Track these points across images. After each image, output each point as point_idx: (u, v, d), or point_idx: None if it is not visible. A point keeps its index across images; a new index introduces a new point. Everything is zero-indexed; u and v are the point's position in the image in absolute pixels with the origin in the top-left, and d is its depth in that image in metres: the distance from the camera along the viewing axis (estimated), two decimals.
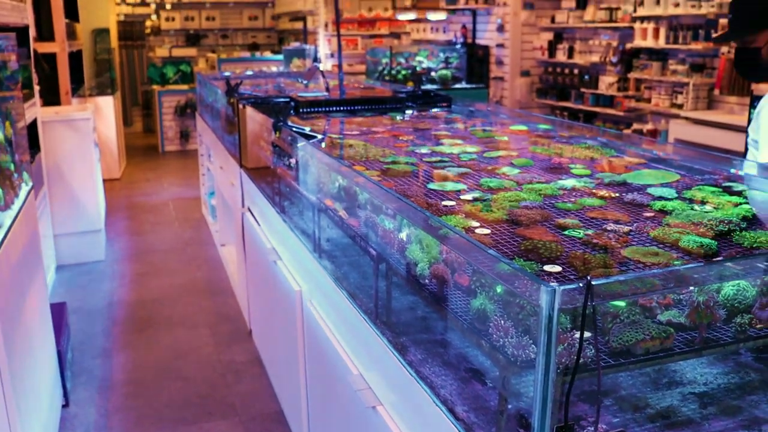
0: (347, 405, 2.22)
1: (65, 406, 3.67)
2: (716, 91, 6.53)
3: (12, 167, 2.96)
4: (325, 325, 2.50)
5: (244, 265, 4.39)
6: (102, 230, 6.15)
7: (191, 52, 12.65)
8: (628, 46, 7.52)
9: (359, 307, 2.13)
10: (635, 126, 7.57)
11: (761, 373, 1.65)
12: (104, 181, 7.49)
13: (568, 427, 1.22)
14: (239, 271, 4.74)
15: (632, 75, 7.51)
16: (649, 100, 7.30)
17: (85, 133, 5.79)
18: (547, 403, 1.20)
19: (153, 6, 13.24)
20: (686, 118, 6.58)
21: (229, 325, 4.68)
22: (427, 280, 1.72)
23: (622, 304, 1.46)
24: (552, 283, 1.14)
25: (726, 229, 1.74)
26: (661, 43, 6.99)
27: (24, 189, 3.17)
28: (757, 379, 1.63)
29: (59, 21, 6.80)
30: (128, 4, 13.05)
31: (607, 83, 7.89)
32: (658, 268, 1.45)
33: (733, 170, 2.41)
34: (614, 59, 7.69)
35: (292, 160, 3.03)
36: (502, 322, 1.36)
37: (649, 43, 7.15)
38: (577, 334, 1.24)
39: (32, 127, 5.11)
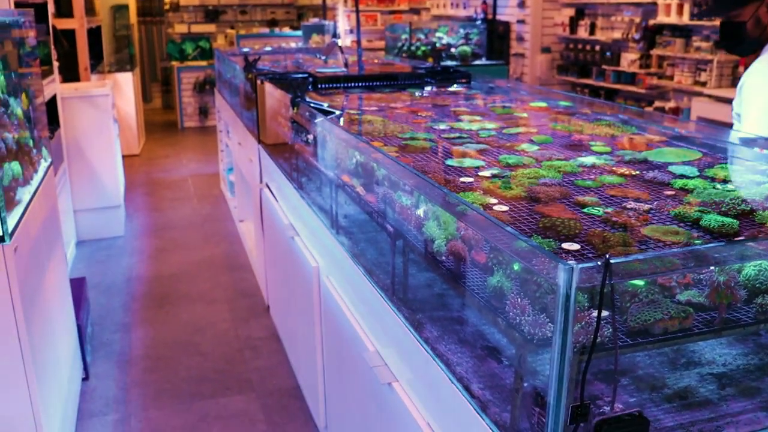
0: (363, 381, 2.22)
1: (85, 379, 3.71)
2: (741, 69, 6.42)
3: (31, 143, 2.97)
4: (341, 301, 2.50)
5: (262, 241, 4.40)
6: (121, 206, 6.18)
7: (210, 28, 12.62)
8: (651, 22, 7.40)
9: (376, 283, 2.12)
10: (657, 104, 7.47)
11: None
12: (123, 157, 7.53)
13: (584, 406, 1.21)
14: (257, 247, 4.75)
15: (655, 52, 7.40)
16: (671, 78, 7.19)
17: (104, 109, 5.81)
18: (563, 383, 1.19)
19: None
20: (709, 96, 6.48)
21: (246, 300, 4.71)
22: (443, 257, 1.71)
23: (641, 283, 1.44)
24: (570, 261, 1.12)
25: (748, 208, 1.71)
26: (685, 19, 6.88)
27: (43, 165, 3.18)
28: None
29: None
30: None
31: (629, 60, 7.78)
32: (678, 247, 1.42)
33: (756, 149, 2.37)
34: (637, 36, 7.58)
35: (310, 136, 3.01)
36: (519, 300, 1.35)
37: (672, 19, 7.03)
38: (595, 313, 1.22)
39: (52, 103, 5.13)
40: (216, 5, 13.46)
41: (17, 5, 4.18)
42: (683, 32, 7.07)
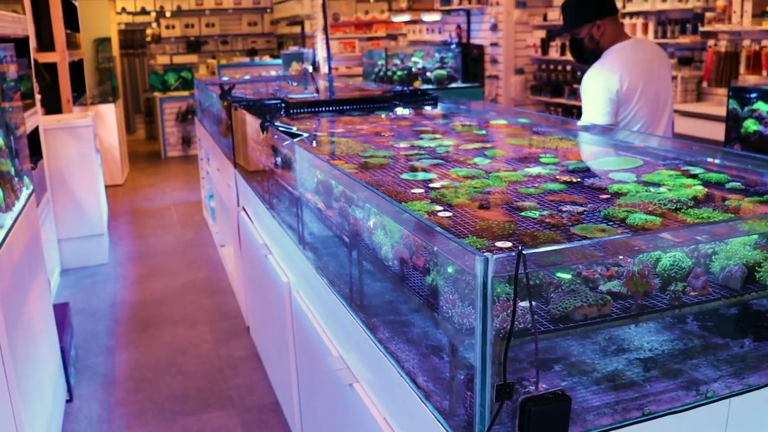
0: (329, 385, 2.35)
1: (69, 400, 3.81)
2: (704, 84, 6.64)
3: (13, 172, 3.10)
4: (310, 312, 2.63)
5: (240, 261, 4.52)
6: (105, 234, 6.29)
7: (192, 58, 12.81)
8: None
9: (338, 292, 2.26)
10: None
11: (704, 339, 1.77)
12: (107, 187, 7.65)
13: (508, 385, 1.34)
14: (237, 269, 4.87)
15: None
16: None
17: (86, 139, 5.94)
18: (486, 363, 1.32)
19: (153, 14, 13.41)
20: (675, 111, 6.68)
21: (228, 322, 4.82)
22: (390, 263, 1.85)
23: (566, 276, 1.59)
24: (486, 253, 1.27)
25: (674, 207, 1.87)
26: (650, 37, 7.10)
27: (24, 192, 3.31)
28: (699, 345, 1.75)
29: (59, 31, 6.96)
30: (129, 13, 13.22)
31: None
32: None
33: (697, 157, 2.53)
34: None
35: (278, 159, 3.16)
36: (450, 294, 1.49)
37: (638, 37, 7.25)
38: (518, 301, 1.36)
39: (35, 135, 5.26)
40: (197, 36, 13.67)
41: None
42: None
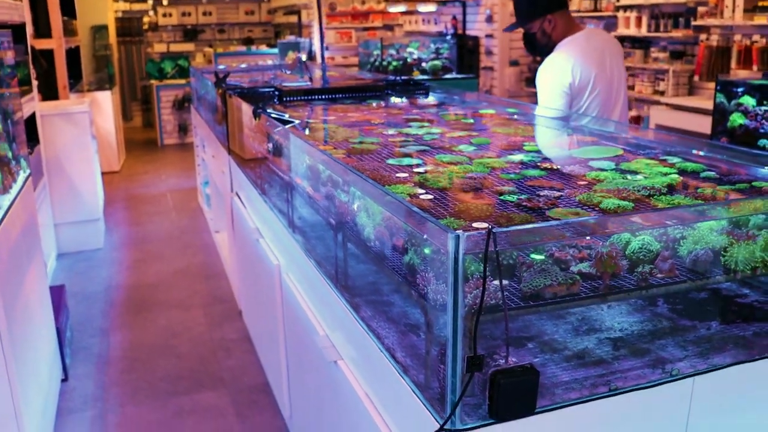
0: (316, 363, 2.42)
1: (65, 380, 3.88)
2: (696, 78, 6.71)
3: (10, 155, 3.17)
4: (298, 293, 2.70)
5: (234, 246, 4.60)
6: (101, 219, 6.36)
7: (189, 47, 12.85)
8: (612, 34, 7.68)
9: (324, 274, 2.33)
10: None
11: (672, 321, 1.85)
12: (104, 174, 7.72)
13: (478, 357, 1.41)
14: (230, 254, 4.95)
15: None
16: (632, 88, 7.47)
17: (82, 125, 6.00)
18: (458, 336, 1.40)
19: (150, 2, 13.44)
20: (667, 104, 6.76)
21: (221, 306, 4.90)
22: (372, 244, 1.93)
23: (538, 256, 1.66)
24: (458, 231, 1.34)
25: (647, 194, 1.94)
26: (644, 31, 7.17)
27: (22, 176, 3.37)
28: (667, 327, 1.83)
29: (56, 18, 7.00)
30: (126, 1, 13.24)
31: None
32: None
33: (678, 148, 2.60)
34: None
35: (270, 145, 3.22)
36: (426, 273, 1.56)
37: (632, 31, 7.32)
38: (489, 279, 1.44)
39: (32, 121, 5.32)
40: (194, 24, 13.70)
41: None
42: (642, 44, 7.36)
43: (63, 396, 3.75)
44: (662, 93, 6.98)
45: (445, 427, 1.46)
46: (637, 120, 7.38)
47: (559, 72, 3.32)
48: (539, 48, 3.51)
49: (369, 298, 2.06)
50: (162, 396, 3.74)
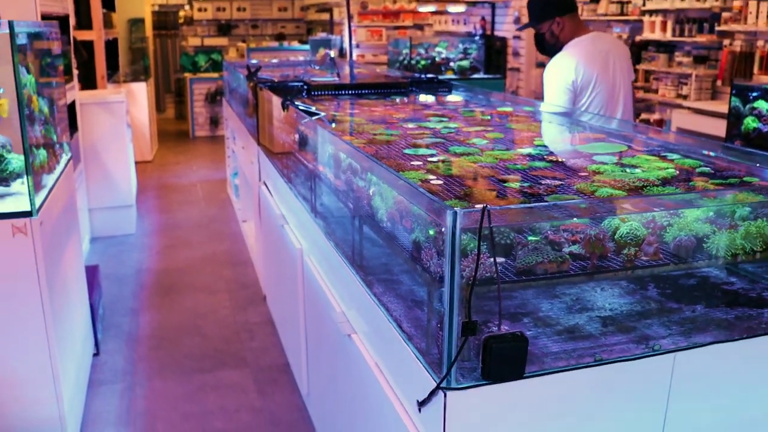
0: (332, 338, 2.60)
1: (96, 354, 4.11)
2: (719, 82, 6.79)
3: (54, 138, 3.39)
4: (318, 275, 2.88)
5: (260, 233, 4.79)
6: (133, 206, 6.60)
7: (222, 41, 13.11)
8: (638, 38, 7.79)
9: (342, 254, 2.51)
10: (643, 116, 7.84)
11: (660, 303, 2.00)
12: (136, 163, 7.97)
13: (473, 323, 1.58)
14: (257, 242, 5.15)
15: (641, 66, 7.78)
16: (656, 91, 7.56)
17: (118, 114, 6.25)
18: (454, 304, 1.56)
19: None
20: (689, 108, 6.85)
21: (246, 291, 5.10)
22: (384, 225, 2.10)
23: (534, 237, 1.82)
24: (456, 208, 1.51)
25: (642, 185, 2.09)
26: (668, 35, 7.26)
27: (64, 158, 3.59)
28: (655, 308, 1.98)
29: (97, 11, 7.27)
30: None
31: None
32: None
33: (680, 144, 2.74)
34: None
35: (297, 135, 3.41)
36: (429, 249, 1.73)
37: (657, 35, 7.41)
38: (486, 255, 1.60)
39: (71, 108, 5.56)
40: (228, 19, 13.97)
41: (43, 17, 4.62)
42: (667, 48, 7.45)
43: (94, 369, 3.97)
44: (685, 97, 7.07)
45: (442, 385, 1.62)
46: (659, 123, 7.47)
47: (564, 70, 3.56)
48: (548, 48, 3.75)
49: (381, 276, 2.23)
50: (187, 372, 3.94)
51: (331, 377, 2.76)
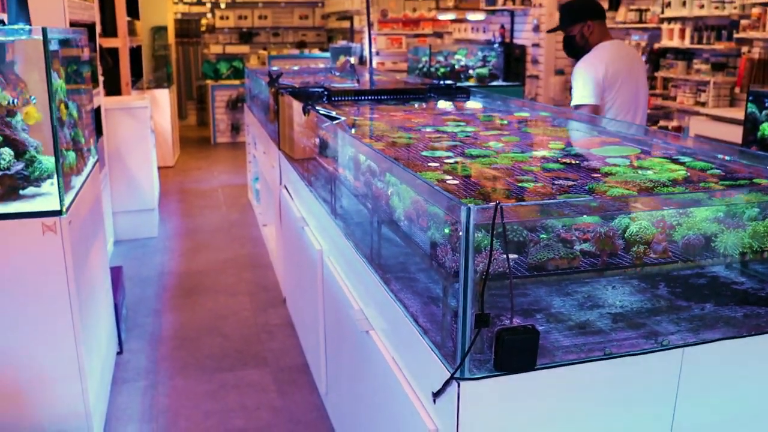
0: (350, 335, 2.67)
1: (120, 353, 4.20)
2: (737, 89, 6.80)
3: (83, 141, 3.49)
4: (337, 274, 2.95)
5: (280, 236, 4.88)
6: (156, 210, 6.72)
7: (244, 49, 13.28)
8: (656, 45, 7.81)
9: (361, 254, 2.58)
10: (662, 123, 7.85)
11: (670, 301, 2.05)
12: (159, 168, 8.10)
13: (486, 315, 1.64)
14: (277, 245, 5.23)
15: (659, 74, 7.80)
16: (674, 98, 7.58)
17: (142, 120, 6.37)
18: (468, 296, 1.63)
19: (208, 5, 13.90)
20: (707, 115, 6.86)
21: (266, 293, 5.18)
22: (402, 224, 2.17)
23: (546, 235, 1.88)
24: (469, 205, 1.57)
25: (651, 186, 2.14)
26: (687, 43, 7.28)
27: (91, 160, 3.70)
28: (665, 306, 2.03)
29: (122, 19, 7.41)
30: (185, 3, 13.74)
31: None
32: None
33: (693, 148, 2.79)
34: (643, 58, 7.98)
35: (317, 139, 3.49)
36: (445, 245, 1.80)
37: (675, 43, 7.44)
38: (497, 250, 1.67)
39: (96, 114, 5.69)
40: (250, 27, 14.13)
41: (71, 25, 4.74)
42: (685, 55, 7.47)
43: (118, 367, 4.06)
44: (703, 104, 7.09)
45: (456, 375, 1.69)
46: (678, 130, 7.49)
47: (595, 65, 3.84)
48: (577, 49, 4.00)
49: (398, 274, 2.30)
50: (208, 371, 4.02)
51: (350, 375, 2.83)
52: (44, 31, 2.70)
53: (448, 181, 2.17)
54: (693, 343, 1.89)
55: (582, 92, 3.85)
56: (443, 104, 4.31)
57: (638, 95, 3.94)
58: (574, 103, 3.96)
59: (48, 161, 2.97)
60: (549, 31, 4.71)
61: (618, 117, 3.90)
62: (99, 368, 3.50)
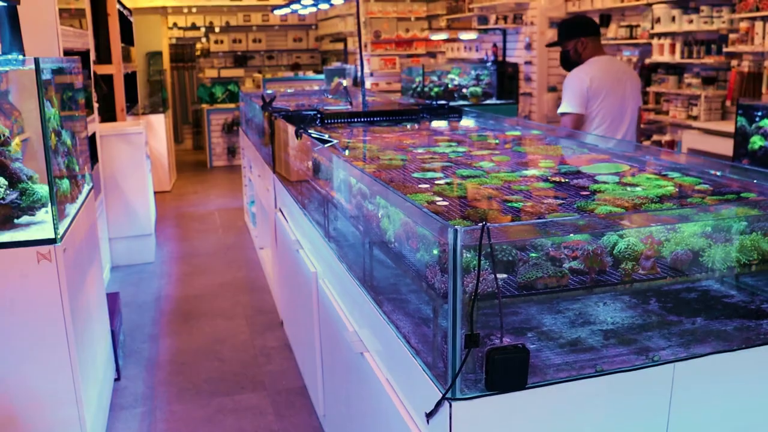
0: (345, 357, 2.68)
1: (117, 379, 4.20)
2: (728, 103, 6.85)
3: (77, 168, 3.51)
4: (332, 296, 2.96)
5: (276, 259, 4.89)
6: (152, 235, 6.73)
7: (239, 72, 13.34)
8: (647, 61, 7.87)
9: (354, 276, 2.59)
10: (655, 137, 7.90)
11: (660, 316, 2.06)
12: (155, 193, 8.12)
13: (475, 335, 1.65)
14: (273, 268, 5.24)
15: (651, 89, 7.86)
16: (667, 113, 7.63)
17: (137, 146, 6.40)
18: (457, 317, 1.64)
19: (203, 30, 13.99)
20: (698, 129, 6.90)
21: (263, 316, 5.18)
22: (393, 246, 2.18)
23: (535, 254, 1.90)
24: (456, 226, 1.59)
25: (640, 202, 2.16)
26: (677, 57, 7.34)
27: (86, 188, 3.72)
28: (656, 321, 2.04)
29: (116, 45, 7.46)
30: (180, 29, 13.82)
31: None
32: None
33: (682, 163, 2.82)
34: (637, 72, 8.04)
35: (310, 162, 3.51)
36: (434, 266, 1.81)
37: (666, 58, 7.50)
38: (488, 271, 1.68)
39: (92, 140, 5.71)
40: (244, 51, 14.21)
41: (65, 53, 4.78)
42: (676, 70, 7.53)
43: (116, 393, 4.06)
44: (695, 118, 7.13)
45: (447, 396, 1.70)
46: (671, 144, 7.53)
47: (581, 77, 4.20)
48: (571, 63, 4.36)
49: (390, 295, 2.31)
50: (206, 396, 4.02)
51: (346, 396, 2.84)
52: (37, 61, 2.72)
53: (438, 203, 2.19)
54: (684, 357, 1.90)
55: (567, 101, 4.23)
56: (436, 125, 4.34)
57: (624, 108, 4.22)
58: (560, 111, 4.33)
59: (42, 189, 2.99)
60: (547, 45, 5.13)
61: (602, 126, 4.23)
62: (96, 395, 3.49)
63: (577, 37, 4.30)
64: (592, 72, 4.18)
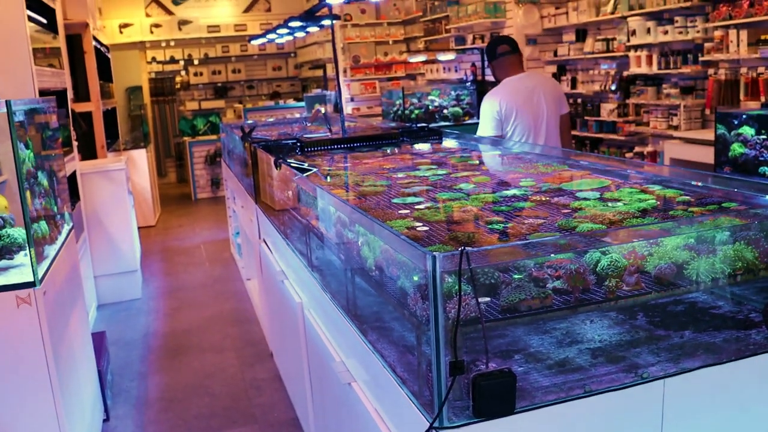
0: (334, 388, 2.64)
1: (106, 420, 4.13)
2: (707, 111, 6.89)
3: (55, 209, 3.47)
4: (318, 327, 2.93)
5: (262, 290, 4.84)
6: (138, 271, 6.67)
7: (219, 103, 13.34)
8: (625, 73, 7.92)
9: (338, 305, 2.56)
10: (637, 149, 7.92)
11: (648, 332, 2.04)
12: (140, 228, 8.07)
13: (460, 362, 1.63)
14: (260, 299, 5.20)
15: (631, 101, 7.90)
16: (647, 124, 7.66)
17: (119, 182, 6.36)
18: (440, 344, 1.61)
19: (182, 62, 14.00)
20: (679, 139, 6.93)
21: (253, 348, 5.13)
22: (374, 274, 2.16)
23: (517, 276, 1.88)
24: (435, 253, 1.57)
25: (621, 218, 2.15)
26: (655, 68, 7.38)
27: (66, 228, 3.67)
28: (643, 337, 2.02)
29: (94, 83, 7.45)
30: (158, 62, 13.81)
31: (608, 110, 8.28)
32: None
33: (663, 175, 2.81)
34: (613, 86, 8.08)
35: (291, 193, 3.49)
36: (415, 293, 1.79)
37: (643, 69, 7.54)
38: (469, 295, 1.66)
39: (72, 179, 5.68)
40: (224, 82, 14.22)
41: (41, 93, 4.75)
42: (654, 81, 7.57)
43: None
44: (676, 127, 7.16)
45: (434, 425, 1.66)
46: (653, 155, 7.55)
47: (491, 102, 4.47)
48: (496, 82, 4.68)
49: (374, 324, 2.28)
50: None
51: (336, 428, 2.79)
52: (8, 103, 2.70)
53: (418, 228, 2.17)
54: (674, 373, 1.88)
55: (484, 127, 4.51)
56: (416, 148, 4.33)
57: (539, 121, 4.45)
58: (478, 134, 4.54)
59: (19, 233, 2.95)
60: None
61: (519, 141, 4.42)
62: None
63: (490, 61, 4.66)
64: (500, 95, 4.45)
